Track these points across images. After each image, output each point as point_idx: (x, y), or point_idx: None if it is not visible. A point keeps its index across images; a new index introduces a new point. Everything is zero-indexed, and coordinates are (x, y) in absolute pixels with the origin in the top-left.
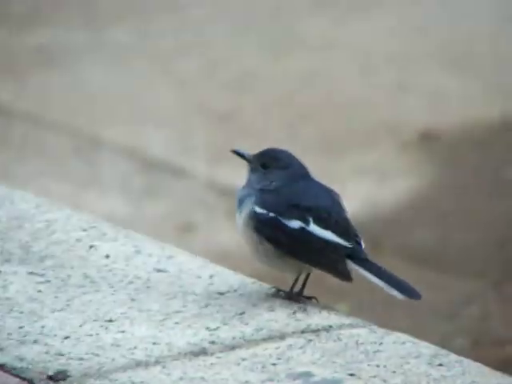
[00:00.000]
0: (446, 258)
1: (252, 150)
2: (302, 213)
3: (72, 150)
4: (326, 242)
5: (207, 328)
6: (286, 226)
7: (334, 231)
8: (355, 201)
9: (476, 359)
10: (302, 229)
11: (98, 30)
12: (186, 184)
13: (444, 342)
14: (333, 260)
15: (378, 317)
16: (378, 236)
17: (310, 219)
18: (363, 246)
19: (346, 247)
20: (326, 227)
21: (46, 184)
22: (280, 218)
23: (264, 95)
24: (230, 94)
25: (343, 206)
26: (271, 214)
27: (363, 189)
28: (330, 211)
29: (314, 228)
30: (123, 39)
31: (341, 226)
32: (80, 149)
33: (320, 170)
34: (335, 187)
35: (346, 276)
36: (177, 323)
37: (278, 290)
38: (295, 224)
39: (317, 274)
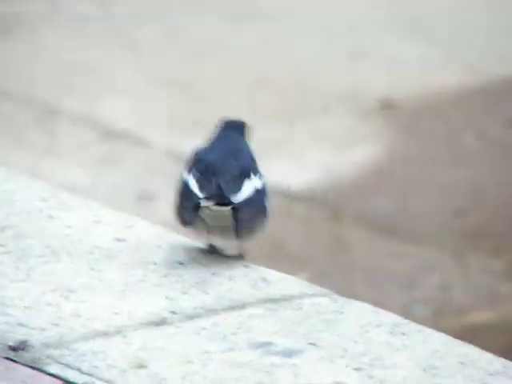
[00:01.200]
0: (405, 226)
1: (211, 119)
2: (192, 166)
3: (30, 120)
4: (186, 189)
5: (167, 297)
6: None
7: (198, 181)
8: (314, 169)
9: (437, 328)
10: (184, 179)
11: None
12: (146, 153)
13: (405, 311)
14: (183, 206)
15: (338, 286)
16: (337, 204)
17: (193, 170)
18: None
19: (198, 197)
20: (195, 178)
21: (3, 154)
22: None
23: (222, 63)
24: (187, 62)
25: (239, 164)
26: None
27: (322, 157)
28: (209, 164)
29: (188, 177)
30: (80, 8)
31: (208, 178)
32: (38, 118)
33: (278, 138)
34: (293, 155)
35: (183, 222)
36: (137, 293)
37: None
38: (185, 175)
39: (277, 241)
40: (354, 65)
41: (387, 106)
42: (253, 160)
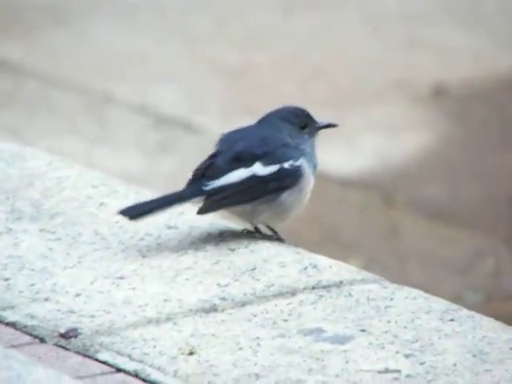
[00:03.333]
0: (457, 212)
1: (264, 107)
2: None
3: (83, 108)
4: None
5: (218, 284)
6: None
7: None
8: (366, 156)
9: (488, 314)
10: None
11: None
12: (198, 140)
13: (457, 298)
14: None
15: (391, 272)
16: (389, 190)
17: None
18: (206, 188)
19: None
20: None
21: (57, 142)
22: None
23: (276, 52)
24: (241, 50)
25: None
26: None
27: (375, 144)
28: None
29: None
30: None
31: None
32: (91, 106)
33: None
34: (347, 142)
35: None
36: (187, 280)
37: (248, 231)
38: None
39: (331, 228)
40: (407, 52)
41: (440, 93)
42: (278, 147)
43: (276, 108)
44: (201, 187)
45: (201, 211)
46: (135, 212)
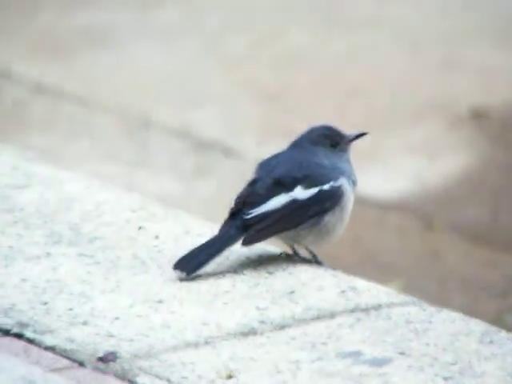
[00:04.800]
0: (497, 235)
1: (302, 129)
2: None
3: (121, 131)
4: None
5: (256, 308)
6: None
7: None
8: (405, 178)
9: None
10: None
11: (143, 9)
12: (237, 163)
13: (497, 320)
14: None
15: (431, 294)
16: (429, 214)
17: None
18: (248, 217)
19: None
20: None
21: (95, 165)
22: None
23: (311, 72)
24: (278, 71)
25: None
26: None
27: (413, 166)
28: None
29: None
30: (169, 19)
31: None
32: (129, 129)
33: (369, 147)
34: (384, 164)
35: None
36: (226, 303)
37: (287, 254)
38: None
39: (370, 251)
40: (444, 74)
41: (478, 115)
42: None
43: (304, 131)
44: (242, 217)
45: (245, 243)
46: (191, 266)
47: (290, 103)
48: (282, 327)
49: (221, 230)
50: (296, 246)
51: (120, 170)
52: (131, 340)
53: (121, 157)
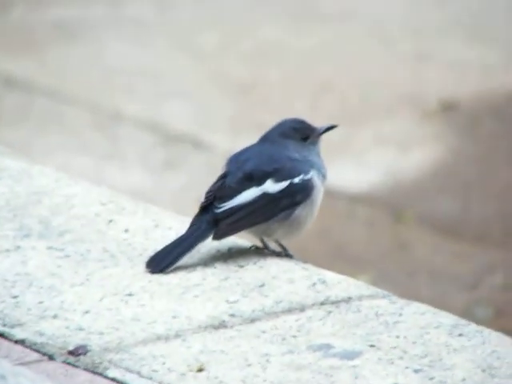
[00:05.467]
0: (467, 227)
1: (273, 122)
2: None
3: (92, 124)
4: None
5: (227, 301)
6: None
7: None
8: (376, 171)
9: (497, 329)
10: None
11: (116, 4)
12: (207, 156)
13: (466, 312)
14: None
15: (401, 286)
16: (399, 206)
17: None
18: (219, 210)
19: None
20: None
21: (66, 158)
22: None
23: (284, 66)
24: (250, 65)
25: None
26: None
27: (384, 159)
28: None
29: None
30: (141, 13)
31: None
32: (100, 123)
33: (341, 140)
34: (356, 157)
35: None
36: (196, 296)
37: (257, 247)
38: None
39: (339, 243)
40: (416, 67)
41: (449, 108)
42: (284, 162)
43: (275, 124)
44: (213, 211)
45: (216, 237)
46: (163, 264)
47: (262, 97)
48: (253, 320)
49: (192, 225)
50: (266, 239)
51: (91, 164)
52: (101, 333)
53: (91, 150)
